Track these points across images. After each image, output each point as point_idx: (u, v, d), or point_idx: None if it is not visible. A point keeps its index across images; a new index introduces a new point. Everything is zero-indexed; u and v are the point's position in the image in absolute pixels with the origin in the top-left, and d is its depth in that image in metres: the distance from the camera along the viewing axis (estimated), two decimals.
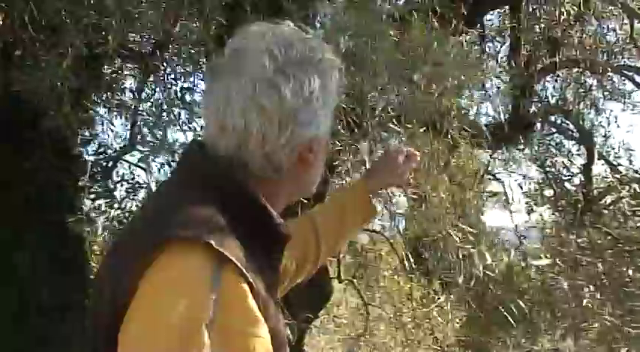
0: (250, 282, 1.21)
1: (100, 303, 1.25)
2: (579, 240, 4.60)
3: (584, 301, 3.94)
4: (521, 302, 4.38)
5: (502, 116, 5.48)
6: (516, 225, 5.64)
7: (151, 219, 1.38)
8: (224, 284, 1.18)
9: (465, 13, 4.28)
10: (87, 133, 5.54)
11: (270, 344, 1.23)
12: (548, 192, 5.72)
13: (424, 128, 3.73)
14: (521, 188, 6.02)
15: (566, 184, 5.65)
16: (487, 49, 5.79)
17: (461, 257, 4.05)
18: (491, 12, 5.60)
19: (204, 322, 1.13)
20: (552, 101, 5.08)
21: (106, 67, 5.18)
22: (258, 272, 1.28)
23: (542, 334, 5.06)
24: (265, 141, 1.32)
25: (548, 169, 5.78)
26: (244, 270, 1.21)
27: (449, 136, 3.85)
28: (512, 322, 5.12)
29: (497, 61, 5.69)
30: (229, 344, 1.17)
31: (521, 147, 5.64)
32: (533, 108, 4.62)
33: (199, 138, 1.50)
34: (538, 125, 5.58)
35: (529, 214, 5.97)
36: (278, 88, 1.31)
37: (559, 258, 4.48)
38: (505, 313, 5.00)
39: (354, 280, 6.43)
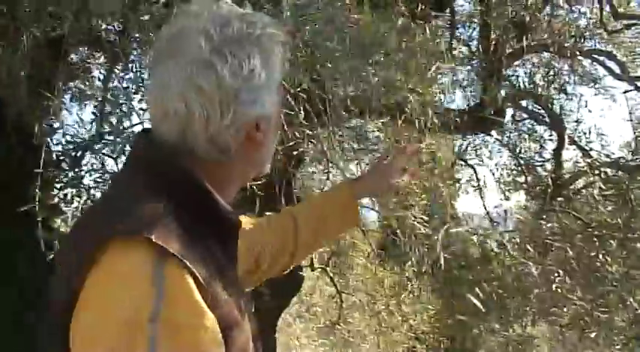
0: (194, 273, 1.20)
1: (59, 290, 1.26)
2: (549, 225, 4.59)
3: (554, 286, 3.92)
4: (493, 287, 4.36)
5: (471, 102, 5.49)
6: (488, 212, 5.63)
7: (98, 212, 1.42)
8: (168, 278, 1.18)
9: None
10: (56, 123, 5.46)
11: (219, 334, 1.23)
12: (521, 178, 5.72)
13: (388, 117, 3.69)
14: (493, 174, 6.03)
15: (539, 169, 5.65)
16: (458, 35, 5.77)
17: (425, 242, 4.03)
18: None
19: (147, 316, 1.14)
20: (522, 86, 5.05)
21: (73, 56, 5.11)
22: (207, 260, 1.29)
23: (514, 320, 5.04)
24: (209, 124, 1.30)
25: (520, 155, 5.77)
26: (187, 263, 1.20)
27: (415, 123, 3.81)
28: (485, 308, 5.11)
29: (468, 46, 5.67)
30: (176, 338, 1.17)
31: (492, 133, 5.63)
32: (502, 94, 4.58)
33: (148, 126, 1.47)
34: (509, 110, 5.57)
35: (506, 200, 5.99)
36: (215, 69, 1.28)
37: (529, 244, 4.47)
38: (477, 299, 5.00)
39: (327, 268, 6.40)
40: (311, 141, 2.93)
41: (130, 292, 1.17)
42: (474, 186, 5.73)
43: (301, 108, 2.80)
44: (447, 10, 5.31)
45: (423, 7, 3.91)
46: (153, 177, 1.34)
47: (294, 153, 2.95)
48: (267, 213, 2.14)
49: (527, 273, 4.06)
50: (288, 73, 2.85)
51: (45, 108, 4.55)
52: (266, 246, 1.96)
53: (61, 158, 5.47)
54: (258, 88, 1.34)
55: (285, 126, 2.97)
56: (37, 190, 2.87)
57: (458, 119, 4.73)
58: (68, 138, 5.45)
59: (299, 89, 2.79)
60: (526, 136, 5.76)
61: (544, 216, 4.69)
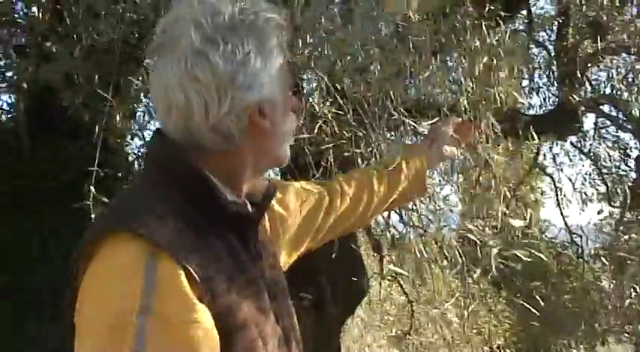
0: (187, 268, 1.22)
1: (70, 283, 1.32)
2: (626, 237, 4.34)
3: (627, 302, 3.67)
4: (563, 301, 4.15)
5: (549, 106, 5.26)
6: (566, 222, 5.36)
7: (108, 209, 1.54)
8: (160, 272, 1.20)
9: None
10: (130, 126, 5.54)
11: (212, 330, 1.24)
12: (602, 188, 5.45)
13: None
14: (573, 183, 5.77)
15: (621, 179, 5.37)
16: (537, 37, 5.56)
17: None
18: None
19: (137, 309, 1.16)
20: (601, 90, 4.79)
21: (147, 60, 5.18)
22: (217, 256, 1.31)
23: (583, 337, 4.78)
24: (208, 112, 1.32)
25: (602, 163, 5.49)
26: (179, 257, 1.22)
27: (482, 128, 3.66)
28: (559, 323, 4.89)
29: (547, 49, 5.45)
30: (168, 331, 1.19)
31: (572, 139, 5.39)
32: (580, 99, 4.36)
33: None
34: (591, 116, 5.31)
35: (583, 211, 5.73)
36: (207, 57, 1.30)
37: (606, 257, 4.23)
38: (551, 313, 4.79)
39: (398, 276, 6.24)
40: (360, 143, 2.84)
41: (120, 285, 1.20)
42: (542, 193, 5.48)
43: (350, 108, 2.72)
44: (524, 12, 5.14)
45: (492, 7, 3.74)
46: (162, 174, 1.37)
47: (345, 154, 2.87)
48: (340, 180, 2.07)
49: (600, 288, 3.83)
50: (338, 73, 2.79)
51: (116, 111, 4.61)
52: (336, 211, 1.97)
53: (134, 160, 5.58)
54: (254, 73, 1.34)
55: (335, 127, 2.91)
56: (90, 187, 2.88)
57: (533, 124, 4.53)
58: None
59: (347, 88, 2.71)
60: (608, 144, 5.47)
61: (621, 228, 4.43)
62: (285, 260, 1.80)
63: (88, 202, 2.94)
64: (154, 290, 1.18)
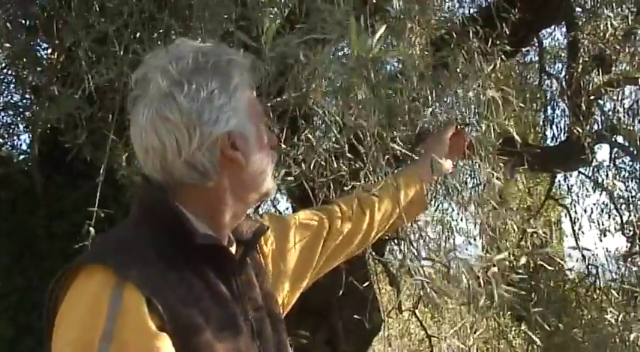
0: (149, 298, 1.27)
1: (47, 313, 1.38)
2: (635, 269, 4.28)
3: (632, 336, 3.59)
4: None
5: (561, 138, 5.25)
6: (583, 254, 5.31)
7: (90, 246, 1.58)
8: (124, 302, 1.26)
9: (507, 32, 4.02)
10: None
11: None
12: (617, 219, 5.39)
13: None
14: (590, 215, 5.73)
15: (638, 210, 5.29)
16: (548, 70, 5.56)
17: None
18: (550, 28, 5.36)
19: (99, 336, 1.22)
20: (611, 122, 4.75)
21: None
22: (190, 289, 1.36)
23: None
24: (180, 149, 1.40)
25: (617, 194, 5.44)
26: (143, 289, 1.28)
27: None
28: None
29: (558, 81, 5.44)
30: None
31: (585, 171, 5.37)
32: (586, 131, 4.34)
33: None
34: (605, 147, 5.28)
35: (601, 241, 5.69)
36: (174, 97, 1.39)
37: (616, 289, 4.17)
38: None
39: (416, 310, 6.18)
40: (359, 176, 2.86)
41: (88, 311, 1.26)
42: (557, 224, 5.43)
43: (345, 141, 2.74)
44: (536, 44, 5.15)
45: (497, 42, 3.74)
46: (144, 214, 1.45)
47: (345, 188, 2.88)
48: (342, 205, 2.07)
49: (605, 320, 3.76)
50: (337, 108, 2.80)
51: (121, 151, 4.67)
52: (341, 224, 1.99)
53: None
54: (219, 108, 1.42)
55: (334, 161, 2.92)
56: (90, 228, 2.92)
57: (542, 157, 4.51)
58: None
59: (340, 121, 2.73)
60: (624, 175, 5.43)
61: (630, 259, 4.38)
62: (290, 291, 1.82)
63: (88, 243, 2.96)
64: (117, 317, 1.24)
